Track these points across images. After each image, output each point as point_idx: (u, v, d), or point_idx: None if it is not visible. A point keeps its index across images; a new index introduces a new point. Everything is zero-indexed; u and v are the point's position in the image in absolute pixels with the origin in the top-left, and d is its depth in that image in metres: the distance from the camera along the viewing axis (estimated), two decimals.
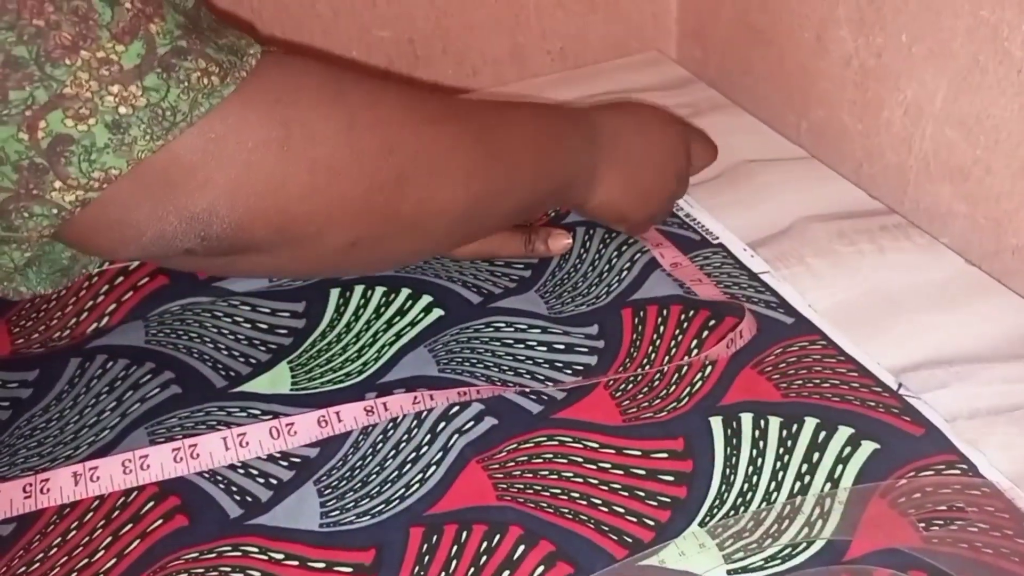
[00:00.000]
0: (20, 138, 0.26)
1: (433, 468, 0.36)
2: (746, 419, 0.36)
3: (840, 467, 0.34)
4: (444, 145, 0.36)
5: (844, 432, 0.35)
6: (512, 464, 0.36)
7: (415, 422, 0.38)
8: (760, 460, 0.35)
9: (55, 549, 0.33)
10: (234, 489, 0.35)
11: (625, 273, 0.45)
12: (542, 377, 0.40)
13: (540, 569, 0.31)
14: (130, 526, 0.34)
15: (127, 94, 0.27)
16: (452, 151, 0.36)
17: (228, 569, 0.32)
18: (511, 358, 0.40)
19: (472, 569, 0.32)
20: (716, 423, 0.36)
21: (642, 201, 0.45)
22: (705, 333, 0.41)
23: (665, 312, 0.42)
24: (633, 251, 0.46)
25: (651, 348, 0.40)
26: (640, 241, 0.46)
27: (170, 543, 0.33)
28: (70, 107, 0.26)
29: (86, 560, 0.33)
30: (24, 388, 0.41)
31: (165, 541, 0.33)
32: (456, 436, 0.37)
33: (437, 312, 0.43)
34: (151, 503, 0.35)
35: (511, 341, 0.41)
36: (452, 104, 0.39)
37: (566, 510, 0.33)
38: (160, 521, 0.34)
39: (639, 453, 0.36)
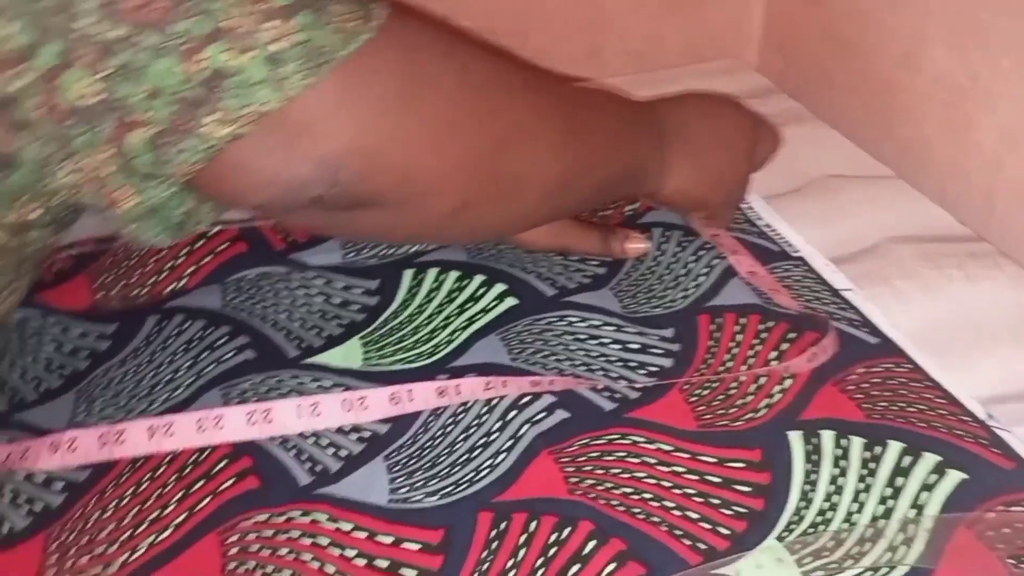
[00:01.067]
0: (178, 70, 0.26)
1: (504, 455, 0.35)
2: (827, 436, 0.35)
3: (925, 494, 0.33)
4: (538, 114, 0.36)
5: (930, 459, 0.34)
6: (584, 459, 0.35)
7: (485, 408, 0.37)
8: (841, 479, 0.34)
9: (128, 499, 0.34)
10: (304, 457, 0.35)
11: (702, 278, 0.44)
12: (615, 375, 0.39)
13: (612, 567, 0.31)
14: (202, 483, 0.34)
15: (282, 30, 0.27)
16: (545, 121, 0.36)
17: (298, 534, 0.32)
18: (584, 353, 0.40)
19: (541, 559, 0.31)
20: (795, 438, 0.35)
21: (716, 184, 0.45)
22: (784, 345, 0.40)
23: (743, 321, 0.41)
24: (710, 257, 0.45)
25: (728, 356, 0.40)
26: (717, 247, 0.46)
27: (241, 503, 0.33)
28: (229, 40, 0.26)
29: (158, 512, 0.33)
30: (103, 340, 0.42)
31: (236, 501, 0.33)
32: (528, 426, 0.36)
33: (511, 301, 0.43)
34: (224, 461, 0.35)
35: (584, 336, 0.41)
36: (541, 76, 0.39)
37: (638, 510, 0.33)
38: (232, 480, 0.34)
39: (714, 460, 0.35)
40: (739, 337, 0.40)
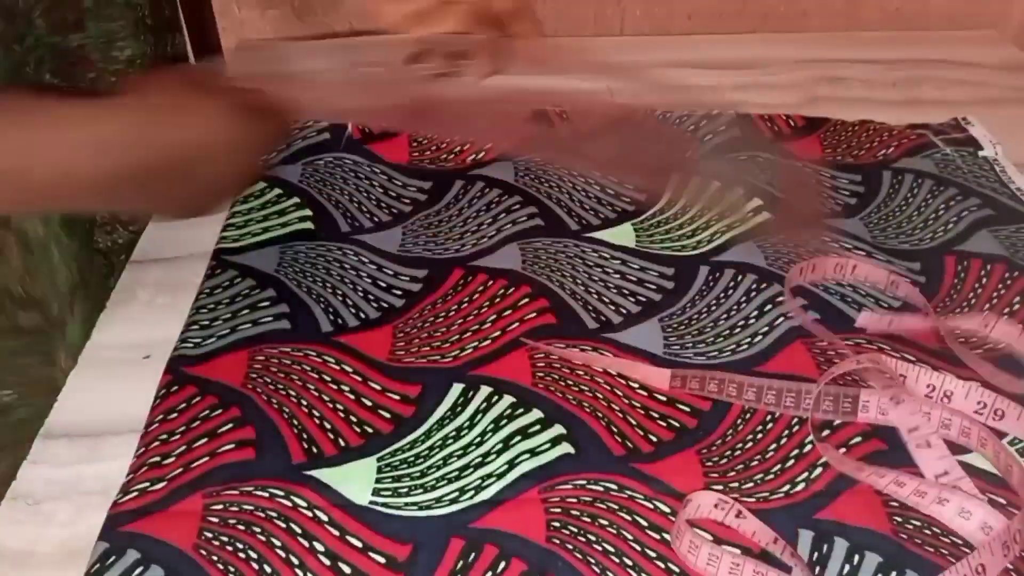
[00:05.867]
0: None
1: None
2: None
3: None
4: None
5: None
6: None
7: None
8: None
9: (452, 312, 0.42)
10: (590, 309, 0.42)
11: (952, 225, 0.47)
12: (863, 293, 0.43)
13: None
14: (509, 311, 0.42)
15: None
16: None
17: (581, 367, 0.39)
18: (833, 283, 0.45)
19: None
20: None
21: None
22: (1018, 300, 0.42)
23: (988, 267, 0.44)
24: (961, 208, 0.48)
25: (972, 294, 0.43)
26: (969, 199, 0.48)
27: (542, 332, 0.41)
28: None
29: (477, 326, 0.41)
30: (421, 193, 0.51)
31: (538, 329, 0.41)
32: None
33: (762, 215, 0.48)
34: (526, 299, 0.43)
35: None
36: None
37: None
38: (535, 313, 0.42)
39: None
40: (984, 280, 0.43)
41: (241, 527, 0.33)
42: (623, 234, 0.47)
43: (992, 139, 0.54)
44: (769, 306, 0.42)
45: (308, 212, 0.49)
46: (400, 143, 0.54)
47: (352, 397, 0.38)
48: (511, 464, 0.35)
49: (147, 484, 0.34)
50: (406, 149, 0.53)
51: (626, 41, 0.69)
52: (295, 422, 0.37)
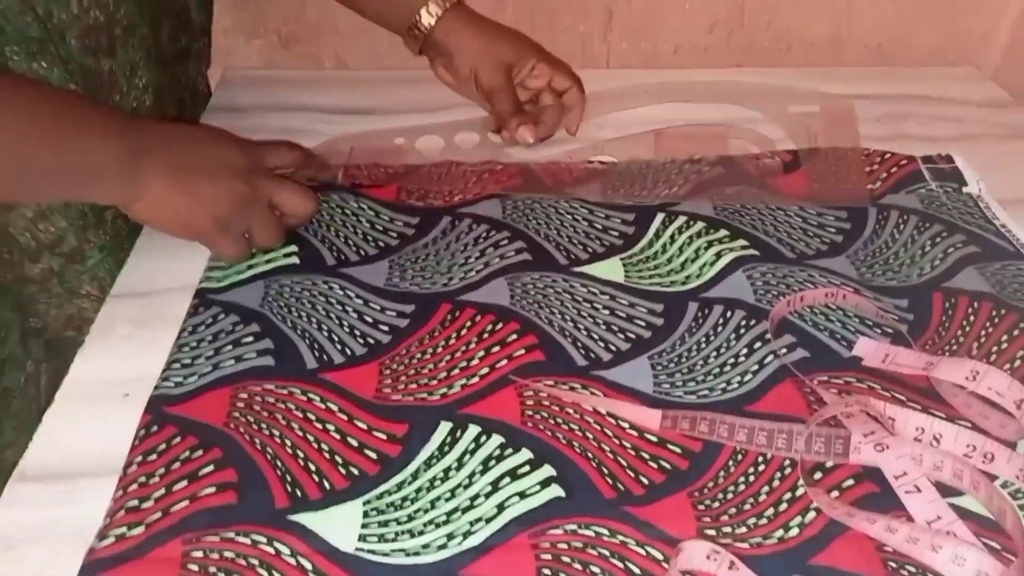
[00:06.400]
0: None
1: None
2: None
3: None
4: None
5: None
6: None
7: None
8: None
9: (440, 348, 0.42)
10: (580, 345, 0.42)
11: (938, 262, 0.48)
12: (852, 328, 0.43)
13: None
14: (498, 348, 0.42)
15: None
16: None
17: (570, 403, 0.39)
18: (822, 316, 0.45)
19: None
20: None
21: (204, 208, 0.43)
22: (1005, 338, 0.42)
23: (975, 304, 0.44)
24: (947, 244, 0.48)
25: (960, 332, 0.43)
26: (955, 235, 0.49)
27: (531, 369, 0.41)
28: None
29: (465, 363, 0.41)
30: (408, 228, 0.50)
31: (528, 366, 0.41)
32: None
33: (752, 251, 0.48)
34: (514, 336, 0.42)
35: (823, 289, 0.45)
36: None
37: None
38: (523, 351, 0.42)
39: None
40: (972, 318, 0.44)
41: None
42: (612, 268, 0.47)
43: (976, 175, 0.55)
44: (759, 343, 0.42)
45: (294, 248, 0.48)
46: (389, 188, 0.53)
47: (337, 436, 0.38)
48: (500, 507, 0.35)
49: (124, 529, 0.33)
50: (394, 191, 0.53)
51: (612, 74, 0.69)
52: (278, 463, 0.36)
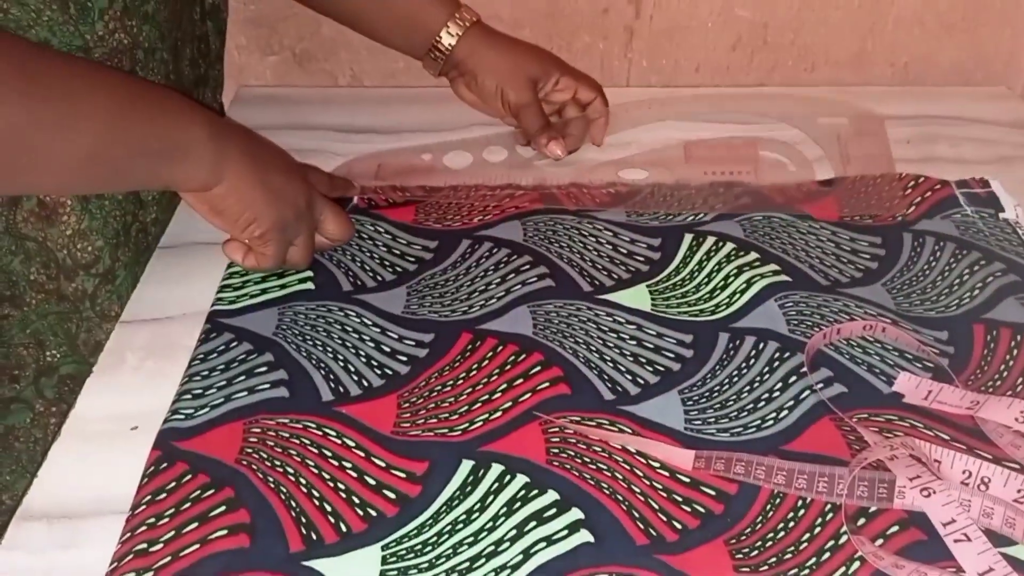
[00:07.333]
0: None
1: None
2: None
3: None
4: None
5: None
6: None
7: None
8: None
9: (460, 380, 0.40)
10: (606, 377, 0.40)
11: (977, 292, 0.46)
12: (891, 363, 0.41)
13: None
14: (521, 380, 0.40)
15: None
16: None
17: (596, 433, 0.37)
18: (860, 348, 0.43)
19: None
20: None
21: (274, 199, 0.43)
22: None
23: (1019, 337, 0.43)
24: (986, 273, 0.47)
25: (1003, 367, 0.41)
26: (993, 263, 0.47)
27: (557, 403, 0.39)
28: None
29: (487, 396, 0.39)
30: (426, 252, 0.48)
31: (553, 400, 0.39)
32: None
33: (784, 277, 0.46)
34: (538, 368, 0.41)
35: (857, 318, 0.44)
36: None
37: None
38: (547, 384, 0.40)
39: None
40: (1015, 352, 0.42)
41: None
42: (638, 296, 0.45)
43: (1012, 200, 0.53)
44: (793, 377, 0.40)
45: (308, 273, 0.47)
46: (406, 209, 0.52)
47: (354, 475, 0.36)
48: (526, 554, 0.33)
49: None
50: (412, 212, 0.52)
51: (632, 92, 0.68)
52: (293, 504, 0.35)
